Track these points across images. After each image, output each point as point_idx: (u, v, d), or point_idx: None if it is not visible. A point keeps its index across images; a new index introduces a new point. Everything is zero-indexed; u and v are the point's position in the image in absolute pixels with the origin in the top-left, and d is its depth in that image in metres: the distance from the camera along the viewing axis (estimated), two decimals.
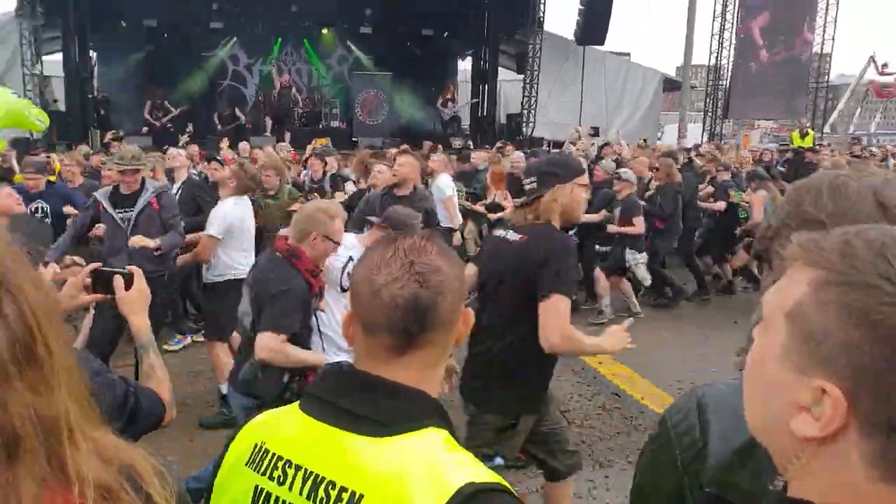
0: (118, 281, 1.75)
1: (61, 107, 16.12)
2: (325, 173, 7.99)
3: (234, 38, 19.25)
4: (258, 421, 1.11)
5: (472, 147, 13.44)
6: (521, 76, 18.61)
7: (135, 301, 1.76)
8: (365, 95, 17.73)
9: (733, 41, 20.90)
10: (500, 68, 19.46)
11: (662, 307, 7.72)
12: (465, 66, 21.57)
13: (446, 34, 20.05)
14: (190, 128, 15.36)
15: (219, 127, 15.71)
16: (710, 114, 21.41)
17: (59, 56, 16.81)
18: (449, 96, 18.75)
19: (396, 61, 18.98)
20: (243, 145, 10.66)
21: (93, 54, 17.82)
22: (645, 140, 14.89)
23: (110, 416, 0.86)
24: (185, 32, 18.26)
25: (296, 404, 1.07)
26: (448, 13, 19.77)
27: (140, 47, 18.12)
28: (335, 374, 1.08)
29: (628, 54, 25.14)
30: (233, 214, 4.79)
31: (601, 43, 18.97)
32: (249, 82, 19.76)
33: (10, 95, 9.67)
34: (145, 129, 16.10)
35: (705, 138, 20.14)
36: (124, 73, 17.97)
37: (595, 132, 16.27)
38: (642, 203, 7.37)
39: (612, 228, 7.15)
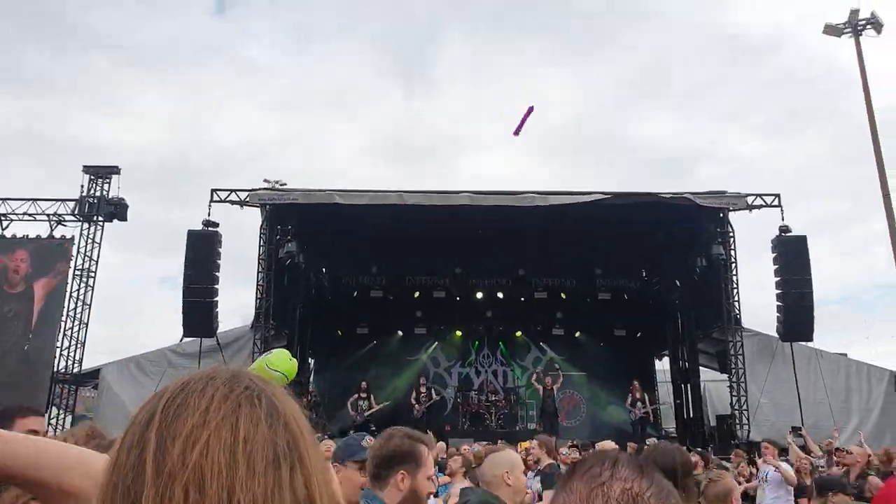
0: None
1: None
2: None
3: (436, 343, 20.62)
4: None
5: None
6: (726, 375, 17.54)
7: None
8: (561, 396, 17.49)
9: None
10: (701, 368, 18.62)
11: None
12: (664, 365, 20.96)
13: (639, 334, 20.01)
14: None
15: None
16: None
17: None
18: (638, 395, 17.56)
19: (590, 361, 18.95)
20: (441, 445, 10.58)
21: (311, 361, 19.74)
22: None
23: None
24: (392, 339, 19.92)
25: None
26: (638, 313, 19.98)
27: (352, 352, 19.90)
28: None
29: (844, 354, 22.92)
30: None
31: (809, 339, 17.75)
32: (449, 383, 20.50)
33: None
34: (352, 431, 16.63)
35: None
36: (337, 376, 19.50)
37: (796, 432, 14.17)
38: None
39: None
